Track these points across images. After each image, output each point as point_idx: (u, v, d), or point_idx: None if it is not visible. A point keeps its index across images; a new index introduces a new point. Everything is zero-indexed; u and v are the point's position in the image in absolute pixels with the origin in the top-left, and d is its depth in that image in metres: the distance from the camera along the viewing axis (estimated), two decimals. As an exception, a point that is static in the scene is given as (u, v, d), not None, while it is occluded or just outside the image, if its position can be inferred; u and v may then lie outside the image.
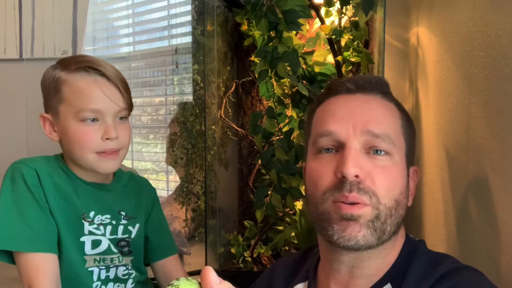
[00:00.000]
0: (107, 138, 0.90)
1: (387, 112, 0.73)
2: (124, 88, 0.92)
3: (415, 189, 0.76)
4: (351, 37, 1.28)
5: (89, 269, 0.91)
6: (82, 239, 0.90)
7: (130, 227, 0.98)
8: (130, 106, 0.96)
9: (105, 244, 0.93)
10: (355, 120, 0.70)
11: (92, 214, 0.93)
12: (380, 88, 0.75)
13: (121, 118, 0.94)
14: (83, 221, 0.91)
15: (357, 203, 0.67)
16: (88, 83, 0.89)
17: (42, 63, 1.79)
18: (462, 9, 0.95)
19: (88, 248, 0.91)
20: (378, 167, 0.69)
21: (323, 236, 0.72)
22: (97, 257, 0.92)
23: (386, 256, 0.72)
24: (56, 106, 0.91)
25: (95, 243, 0.92)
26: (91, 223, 0.92)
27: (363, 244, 0.67)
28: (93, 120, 0.90)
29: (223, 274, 1.41)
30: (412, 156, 0.75)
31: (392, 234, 0.70)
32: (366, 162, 0.68)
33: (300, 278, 0.82)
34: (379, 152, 0.69)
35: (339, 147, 0.70)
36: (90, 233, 0.91)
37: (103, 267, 0.92)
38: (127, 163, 2.00)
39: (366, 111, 0.72)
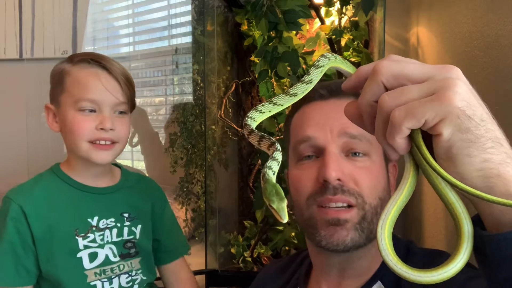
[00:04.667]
0: (101, 128, 0.90)
1: None
2: (126, 84, 0.93)
3: (395, 183, 0.77)
4: (351, 37, 1.28)
5: (92, 283, 0.90)
6: (79, 255, 0.90)
7: (133, 228, 0.98)
8: (131, 102, 0.96)
9: (102, 255, 0.92)
10: (331, 124, 0.71)
11: (95, 219, 0.93)
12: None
13: (120, 112, 0.94)
14: (76, 237, 0.91)
15: (344, 207, 0.68)
16: (88, 74, 0.91)
17: (42, 63, 1.80)
18: (462, 9, 0.95)
19: (86, 263, 0.90)
20: (359, 168, 0.70)
21: (311, 241, 0.74)
22: (97, 270, 0.91)
23: (376, 254, 0.73)
24: (58, 97, 0.93)
25: (92, 256, 0.91)
26: (85, 237, 0.91)
27: (352, 246, 0.69)
28: (91, 111, 0.90)
29: (223, 274, 1.41)
30: None
31: None
32: (347, 165, 0.70)
33: (291, 284, 0.83)
34: (357, 154, 0.71)
35: (319, 153, 0.71)
36: (86, 247, 0.91)
37: (106, 279, 0.92)
38: (126, 163, 2.00)
39: (341, 115, 0.72)
